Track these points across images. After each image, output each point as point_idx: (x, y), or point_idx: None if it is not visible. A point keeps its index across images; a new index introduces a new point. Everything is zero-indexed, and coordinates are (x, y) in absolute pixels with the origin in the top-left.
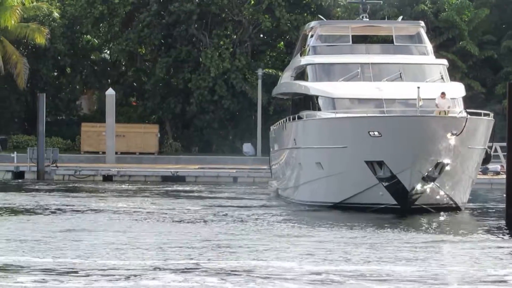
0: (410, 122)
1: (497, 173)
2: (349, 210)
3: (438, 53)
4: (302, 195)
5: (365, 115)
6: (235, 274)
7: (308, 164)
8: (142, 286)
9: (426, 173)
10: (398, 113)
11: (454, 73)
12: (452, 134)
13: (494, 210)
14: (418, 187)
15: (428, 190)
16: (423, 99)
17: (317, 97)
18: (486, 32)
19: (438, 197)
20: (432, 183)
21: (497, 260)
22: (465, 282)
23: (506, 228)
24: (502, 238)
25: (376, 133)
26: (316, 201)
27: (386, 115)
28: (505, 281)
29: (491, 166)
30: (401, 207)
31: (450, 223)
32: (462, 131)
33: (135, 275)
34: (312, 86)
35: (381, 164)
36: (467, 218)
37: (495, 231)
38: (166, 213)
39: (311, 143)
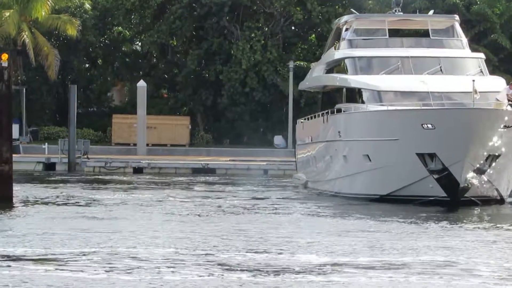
0: (464, 114)
1: None
2: (397, 202)
3: (469, 46)
4: (345, 188)
5: (418, 107)
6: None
7: (354, 157)
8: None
9: (477, 166)
10: (451, 106)
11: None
12: (505, 127)
13: None
14: (469, 179)
15: (477, 182)
16: (464, 92)
17: (359, 89)
18: None
19: (486, 189)
20: (483, 175)
21: None
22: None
23: None
24: None
25: (429, 125)
26: (360, 194)
27: (441, 107)
28: None
29: None
30: (450, 200)
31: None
32: None
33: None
34: (354, 79)
35: (433, 156)
36: (510, 210)
37: None
38: (198, 205)
39: (359, 136)
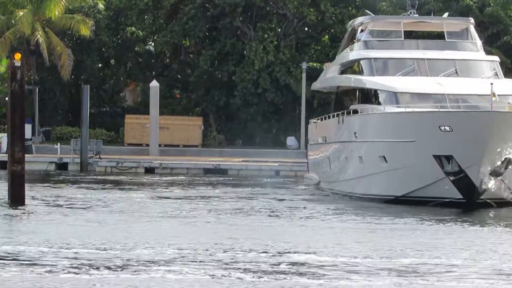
0: (482, 117)
1: None
2: (413, 203)
3: (483, 48)
4: (360, 188)
5: (436, 109)
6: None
7: (370, 157)
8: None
9: (494, 168)
10: (469, 108)
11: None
12: None
13: None
14: (485, 181)
15: (493, 184)
16: (480, 94)
17: (376, 91)
18: None
19: (501, 191)
20: (498, 177)
21: None
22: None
23: None
24: None
25: (447, 127)
26: (376, 194)
27: (458, 110)
28: None
29: None
30: (466, 202)
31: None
32: None
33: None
34: (371, 80)
35: (449, 158)
36: None
37: None
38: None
39: (375, 137)
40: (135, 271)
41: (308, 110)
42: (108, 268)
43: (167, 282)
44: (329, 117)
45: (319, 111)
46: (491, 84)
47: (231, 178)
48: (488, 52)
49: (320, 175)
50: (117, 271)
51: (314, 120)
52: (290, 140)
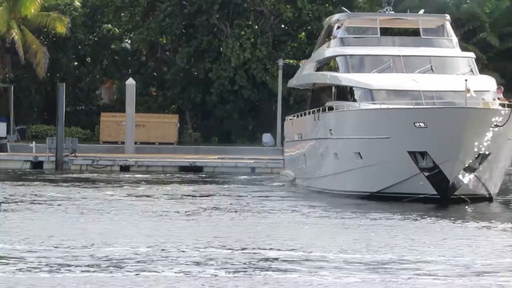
0: (456, 113)
1: None
2: (388, 199)
3: (459, 44)
4: (335, 185)
5: (411, 106)
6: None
7: (345, 154)
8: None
9: (468, 164)
10: (444, 105)
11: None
12: (496, 126)
13: None
14: (459, 177)
15: (467, 180)
16: (455, 91)
17: (351, 88)
18: (507, 23)
19: (475, 187)
20: (472, 173)
21: None
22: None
23: None
24: None
25: (421, 124)
26: (351, 191)
27: (433, 106)
28: None
29: None
30: (440, 197)
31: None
32: (506, 122)
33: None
34: (346, 77)
35: (424, 154)
36: (499, 208)
37: None
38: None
39: (350, 133)
40: (108, 270)
41: (284, 107)
42: (79, 266)
43: (141, 280)
44: (305, 114)
45: (295, 108)
46: (466, 80)
47: (206, 176)
48: (464, 49)
49: (296, 172)
50: (89, 270)
51: (290, 117)
52: (266, 137)
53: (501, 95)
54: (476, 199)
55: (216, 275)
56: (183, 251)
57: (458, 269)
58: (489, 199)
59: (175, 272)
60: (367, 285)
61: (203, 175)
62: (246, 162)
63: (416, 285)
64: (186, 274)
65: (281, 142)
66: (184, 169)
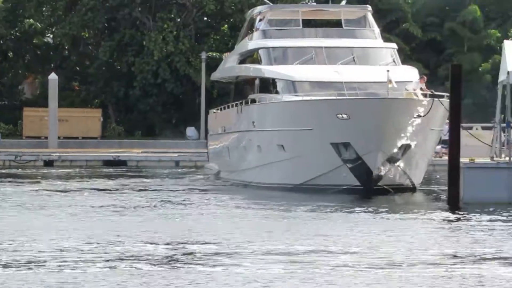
0: (378, 104)
1: (438, 154)
2: (312, 191)
3: (381, 36)
4: (259, 177)
5: (333, 97)
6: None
7: (268, 147)
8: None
9: (391, 155)
10: (366, 96)
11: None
12: (418, 116)
13: (439, 191)
14: (382, 168)
15: (390, 171)
16: (378, 82)
17: (274, 80)
18: (429, 14)
19: (398, 178)
20: (395, 164)
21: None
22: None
23: (448, 208)
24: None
25: (344, 115)
26: (275, 183)
27: (355, 97)
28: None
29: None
30: (363, 188)
31: (406, 203)
32: (428, 113)
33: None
34: (269, 69)
35: (347, 146)
36: (422, 198)
37: (438, 210)
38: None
39: (273, 126)
40: (29, 266)
41: (208, 100)
42: None
43: (65, 276)
44: (228, 107)
45: (219, 101)
46: (388, 71)
47: (130, 170)
48: (387, 40)
49: (220, 165)
50: (8, 266)
51: (214, 110)
52: (190, 131)
53: (423, 85)
54: (399, 189)
55: (140, 269)
56: (107, 246)
57: (381, 260)
58: (413, 189)
59: (100, 268)
60: (290, 276)
61: (127, 169)
62: (170, 156)
63: (339, 276)
64: (110, 268)
65: (205, 135)
66: (107, 163)
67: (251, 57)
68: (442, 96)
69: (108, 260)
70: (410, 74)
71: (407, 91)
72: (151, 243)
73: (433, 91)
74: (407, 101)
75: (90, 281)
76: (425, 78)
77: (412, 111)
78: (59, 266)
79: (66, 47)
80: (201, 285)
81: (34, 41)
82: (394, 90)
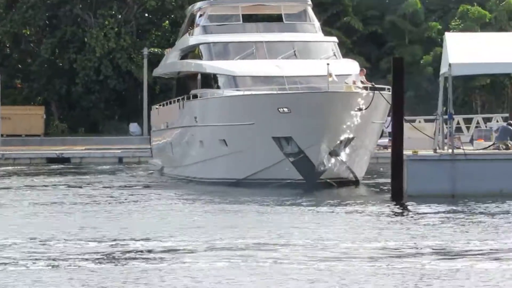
0: (319, 97)
1: (385, 147)
2: (255, 185)
3: (322, 29)
4: (202, 173)
5: (274, 92)
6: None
7: (210, 142)
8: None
9: (333, 148)
10: (306, 90)
11: (339, 49)
12: (359, 109)
13: (382, 183)
14: (325, 162)
15: (333, 164)
16: (318, 75)
17: (215, 75)
18: (370, 7)
19: (341, 171)
20: (338, 157)
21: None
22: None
23: (391, 200)
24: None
25: (285, 109)
26: (218, 178)
27: (295, 91)
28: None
29: (379, 140)
30: (306, 182)
31: (348, 196)
32: (369, 106)
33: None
34: (210, 65)
35: (289, 140)
36: (365, 191)
37: (382, 203)
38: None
39: (215, 121)
40: None
41: (151, 96)
42: None
43: (5, 276)
44: (170, 103)
45: (162, 97)
46: (328, 64)
47: (74, 167)
48: (327, 33)
49: (163, 161)
50: None
51: (157, 106)
52: (133, 127)
53: (363, 78)
54: (342, 183)
55: (82, 267)
56: (49, 243)
57: (322, 252)
58: (356, 182)
59: (41, 266)
60: (233, 270)
61: (71, 166)
62: (113, 152)
63: (281, 269)
64: (52, 267)
65: (148, 131)
66: (51, 160)
67: (192, 52)
68: (383, 89)
69: (50, 258)
70: (351, 67)
71: (346, 85)
72: (94, 241)
73: (373, 84)
74: (348, 94)
75: (29, 279)
76: (365, 71)
77: (353, 104)
78: (0, 264)
79: (8, 45)
80: (144, 281)
81: None
82: (335, 83)
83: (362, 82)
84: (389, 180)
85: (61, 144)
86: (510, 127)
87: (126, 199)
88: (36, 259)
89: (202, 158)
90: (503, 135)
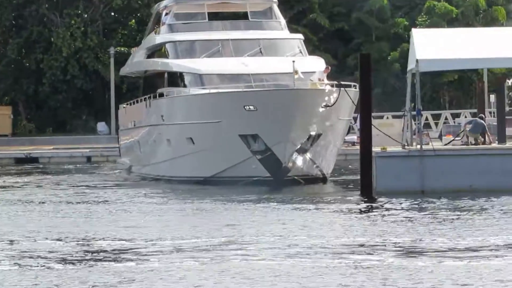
0: (285, 95)
1: (353, 143)
2: (222, 183)
3: (288, 27)
4: (170, 171)
5: (240, 90)
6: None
7: (177, 140)
8: None
9: (300, 145)
10: (273, 87)
11: (306, 46)
12: (326, 106)
13: (351, 180)
14: (292, 159)
15: (300, 161)
16: (284, 73)
17: (181, 73)
18: (336, 4)
19: (309, 168)
20: (305, 154)
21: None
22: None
23: (360, 197)
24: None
25: (251, 107)
26: (185, 176)
27: (261, 89)
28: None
29: (347, 137)
30: (274, 179)
31: (316, 194)
32: (335, 103)
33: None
34: (176, 63)
35: (255, 137)
36: (333, 188)
37: (351, 200)
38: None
39: (182, 119)
40: None
41: (118, 95)
42: None
43: None
44: (137, 102)
45: (129, 96)
46: (293, 62)
47: (42, 166)
48: (294, 31)
49: (131, 160)
50: None
51: (124, 105)
52: (101, 126)
53: (325, 76)
54: (310, 180)
55: (49, 268)
56: (14, 243)
57: (290, 249)
58: (323, 179)
59: (6, 266)
60: (202, 268)
61: (39, 166)
62: (81, 152)
63: (250, 267)
64: (19, 266)
65: (116, 130)
66: (19, 161)
67: (158, 51)
68: (349, 86)
69: (17, 258)
70: (317, 64)
71: (312, 82)
72: (61, 240)
73: (340, 81)
74: (313, 91)
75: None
76: (329, 68)
77: (319, 101)
78: None
79: None
80: (113, 282)
81: None
82: (301, 80)
83: (319, 79)
84: (357, 177)
85: (29, 144)
86: (482, 121)
87: (93, 199)
88: (1, 260)
89: (170, 157)
90: (476, 128)
